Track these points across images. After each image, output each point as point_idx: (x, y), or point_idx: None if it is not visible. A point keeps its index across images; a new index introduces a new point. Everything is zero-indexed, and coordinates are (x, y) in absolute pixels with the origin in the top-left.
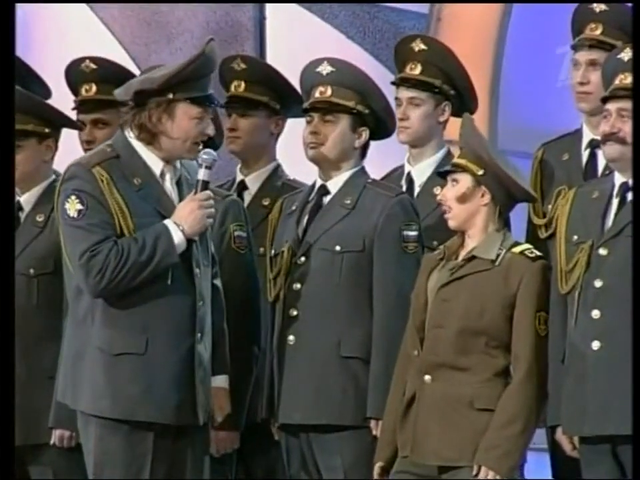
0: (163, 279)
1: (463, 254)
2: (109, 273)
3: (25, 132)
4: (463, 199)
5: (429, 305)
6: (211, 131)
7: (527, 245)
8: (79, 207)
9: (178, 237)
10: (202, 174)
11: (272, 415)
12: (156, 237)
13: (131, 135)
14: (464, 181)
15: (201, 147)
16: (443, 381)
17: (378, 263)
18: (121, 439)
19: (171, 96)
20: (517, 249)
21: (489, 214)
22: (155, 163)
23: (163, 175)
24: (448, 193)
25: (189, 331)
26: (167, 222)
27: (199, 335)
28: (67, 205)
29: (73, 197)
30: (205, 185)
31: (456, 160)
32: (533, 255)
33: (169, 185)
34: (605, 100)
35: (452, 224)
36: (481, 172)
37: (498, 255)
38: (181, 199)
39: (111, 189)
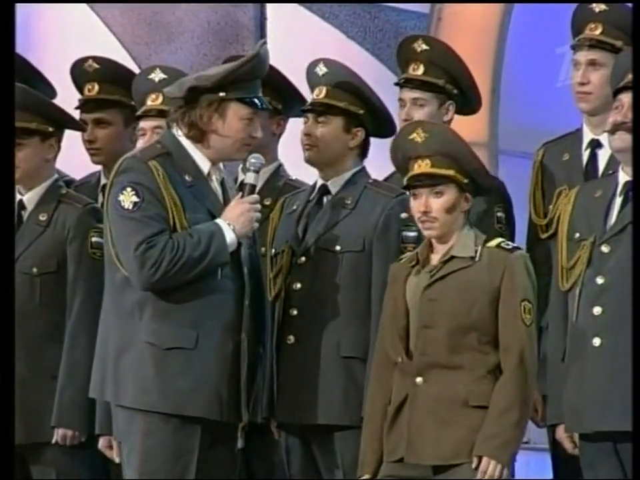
0: (213, 275)
1: (436, 257)
2: (165, 265)
3: (29, 130)
4: (451, 209)
5: (411, 309)
6: (259, 133)
7: (500, 239)
8: (135, 199)
9: (230, 237)
10: (250, 177)
11: (272, 415)
12: (210, 234)
13: (179, 133)
14: (451, 192)
15: (250, 148)
16: (435, 382)
17: (377, 263)
18: (168, 435)
19: (222, 94)
20: (492, 244)
21: (465, 215)
22: (203, 162)
23: (209, 174)
24: (434, 205)
25: (237, 329)
26: (219, 221)
27: (244, 334)
28: (122, 197)
29: (129, 189)
30: (253, 189)
31: (438, 171)
32: (509, 247)
33: (215, 185)
34: (617, 92)
35: (435, 234)
36: (467, 180)
37: (475, 251)
38: (225, 199)
39: (166, 182)
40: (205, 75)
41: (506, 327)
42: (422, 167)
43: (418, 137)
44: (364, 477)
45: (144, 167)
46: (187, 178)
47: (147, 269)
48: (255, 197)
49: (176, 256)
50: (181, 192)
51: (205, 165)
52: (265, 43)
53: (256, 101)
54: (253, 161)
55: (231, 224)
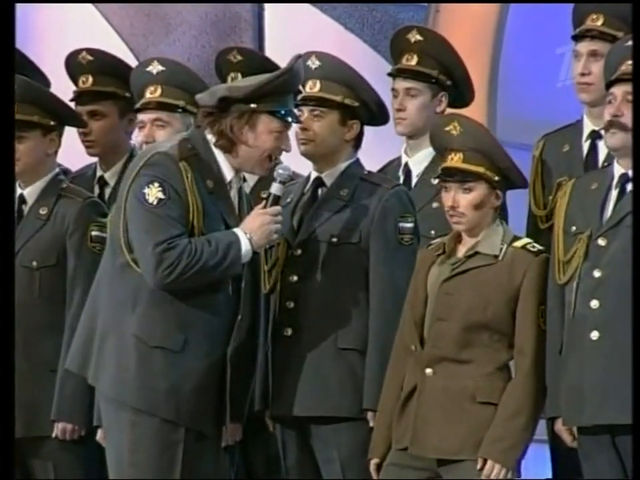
0: (224, 288)
1: (462, 250)
2: (180, 269)
3: (30, 123)
4: (479, 206)
5: (429, 299)
6: (288, 147)
7: (527, 239)
8: (161, 195)
9: (246, 248)
10: (275, 188)
11: (266, 407)
12: (228, 244)
13: (209, 138)
14: (480, 188)
15: (273, 163)
16: (444, 375)
17: (374, 255)
18: (154, 427)
19: (254, 106)
20: (518, 244)
21: (494, 211)
22: (227, 169)
23: (230, 182)
24: (462, 201)
25: (225, 341)
26: (237, 231)
27: (230, 348)
28: (147, 190)
29: (156, 184)
30: (277, 200)
31: (469, 167)
32: (535, 250)
33: (234, 194)
34: (610, 84)
35: (462, 228)
36: (497, 178)
37: (500, 250)
38: (239, 209)
39: (192, 186)
40: (236, 86)
41: (522, 330)
42: (454, 160)
43: (454, 129)
44: (373, 461)
45: (174, 167)
46: (208, 183)
47: (162, 269)
48: (278, 208)
49: (192, 261)
50: (203, 197)
51: (229, 172)
52: (299, 56)
53: (287, 114)
54: (280, 171)
55: (249, 234)
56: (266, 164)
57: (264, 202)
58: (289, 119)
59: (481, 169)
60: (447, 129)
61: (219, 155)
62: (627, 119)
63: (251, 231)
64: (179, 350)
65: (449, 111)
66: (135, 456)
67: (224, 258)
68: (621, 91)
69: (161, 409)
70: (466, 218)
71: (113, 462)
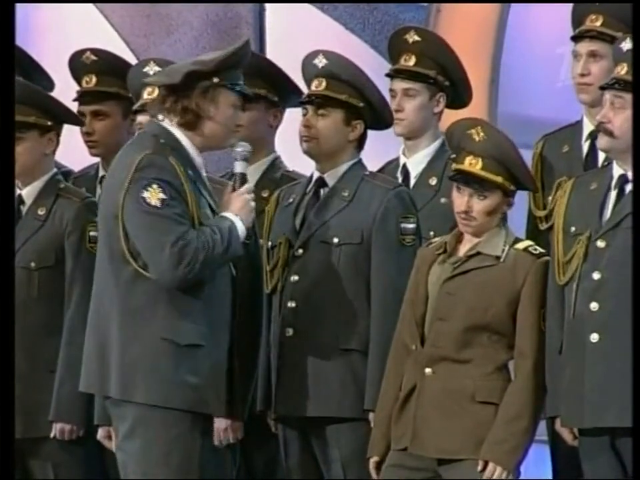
0: (230, 273)
1: (463, 249)
2: (200, 263)
3: (27, 124)
4: (492, 212)
5: (429, 298)
6: (242, 121)
7: (529, 242)
8: (162, 196)
9: (242, 230)
10: (240, 167)
11: (268, 407)
12: (228, 229)
13: (169, 124)
14: (495, 196)
15: (236, 135)
16: (444, 375)
17: (376, 256)
18: (187, 428)
19: (216, 80)
20: (520, 246)
21: (501, 215)
22: (195, 153)
23: (200, 166)
24: (476, 207)
25: (231, 327)
26: (229, 215)
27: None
28: (147, 194)
29: (155, 186)
30: (243, 177)
31: (488, 175)
32: (537, 252)
33: (204, 176)
34: (602, 89)
35: (471, 231)
36: (513, 187)
37: (502, 251)
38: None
39: (185, 179)
40: (201, 60)
41: (523, 332)
42: (472, 165)
43: (476, 134)
44: (372, 459)
45: (167, 164)
46: (189, 172)
47: (182, 267)
48: (250, 186)
49: (208, 252)
50: (192, 187)
51: (197, 156)
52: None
53: (242, 89)
54: (239, 150)
55: (238, 216)
56: (232, 137)
57: (232, 184)
58: (247, 92)
59: (499, 179)
60: (469, 132)
61: (185, 142)
62: (612, 125)
63: (238, 213)
64: (206, 344)
65: (447, 111)
66: (171, 457)
67: (229, 243)
68: (609, 96)
69: (203, 405)
70: (476, 222)
71: (142, 466)
